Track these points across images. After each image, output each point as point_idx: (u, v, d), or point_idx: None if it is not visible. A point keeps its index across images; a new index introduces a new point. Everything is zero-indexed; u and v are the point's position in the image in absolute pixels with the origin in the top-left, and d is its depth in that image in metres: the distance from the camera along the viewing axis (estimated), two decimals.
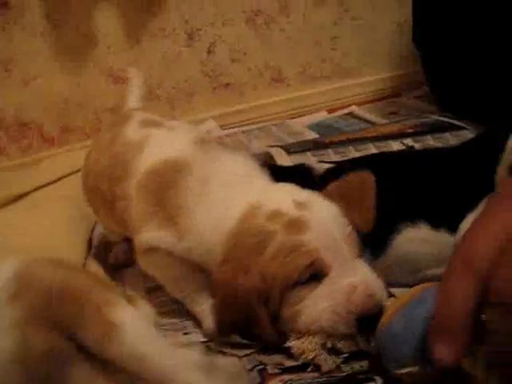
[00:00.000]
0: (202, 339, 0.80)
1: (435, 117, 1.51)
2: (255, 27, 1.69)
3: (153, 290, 0.92)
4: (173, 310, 0.87)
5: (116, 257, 1.05)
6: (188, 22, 1.64)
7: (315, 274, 0.69)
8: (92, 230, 1.19)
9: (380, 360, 0.64)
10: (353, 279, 0.69)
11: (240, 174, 0.80)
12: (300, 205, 0.72)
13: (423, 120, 1.50)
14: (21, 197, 1.32)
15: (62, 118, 1.64)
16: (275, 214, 0.71)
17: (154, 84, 1.66)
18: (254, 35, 1.70)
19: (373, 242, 0.85)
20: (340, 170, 0.95)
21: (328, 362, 0.69)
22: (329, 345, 0.69)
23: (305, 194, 0.75)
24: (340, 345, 0.69)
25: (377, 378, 0.68)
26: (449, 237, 0.81)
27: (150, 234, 0.78)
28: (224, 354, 0.75)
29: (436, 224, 0.83)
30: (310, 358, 0.69)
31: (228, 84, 1.72)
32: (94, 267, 1.00)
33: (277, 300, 0.70)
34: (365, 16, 1.75)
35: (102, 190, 0.89)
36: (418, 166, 0.91)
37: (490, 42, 1.26)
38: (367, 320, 0.67)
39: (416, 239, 0.83)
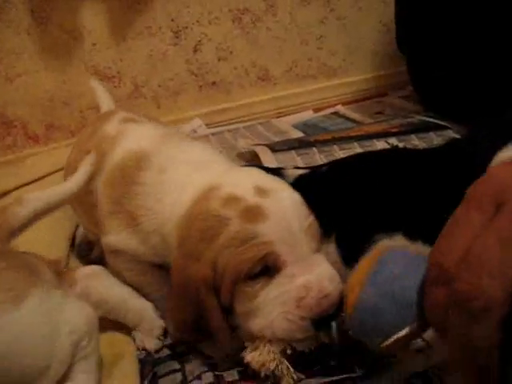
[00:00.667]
0: None
1: (420, 117, 1.52)
2: (242, 26, 1.69)
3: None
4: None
5: (97, 257, 1.05)
6: (174, 20, 1.63)
7: (268, 268, 0.65)
8: (75, 229, 1.19)
9: (355, 344, 0.63)
10: (307, 278, 0.65)
11: (198, 160, 0.77)
12: (260, 191, 0.68)
13: (408, 120, 1.51)
14: (5, 194, 1.32)
15: (47, 116, 1.63)
16: (232, 199, 0.67)
17: (139, 82, 1.65)
18: (241, 34, 1.69)
19: (347, 252, 0.85)
20: (313, 175, 0.94)
21: (289, 375, 0.66)
22: (288, 351, 0.67)
23: (269, 180, 0.71)
24: (300, 347, 0.67)
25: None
26: (425, 249, 0.81)
27: (114, 237, 0.78)
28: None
29: (412, 236, 0.80)
30: (272, 368, 0.66)
31: (214, 82, 1.72)
32: (76, 265, 1.00)
33: (227, 293, 0.66)
34: (350, 15, 1.76)
35: None
36: (396, 173, 0.89)
37: (473, 40, 1.27)
38: (324, 319, 0.65)
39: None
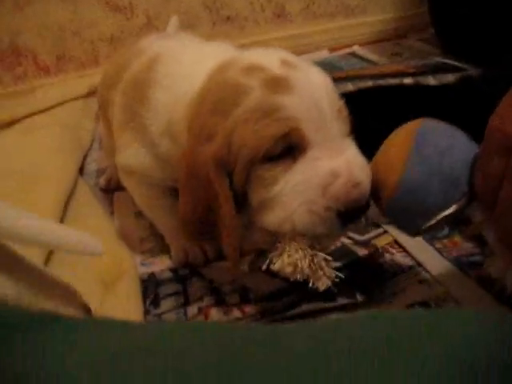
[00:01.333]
0: None
1: (438, 58, 1.47)
2: None
3: (141, 215, 0.92)
4: (160, 233, 0.87)
5: (107, 181, 1.04)
6: None
7: (291, 149, 0.56)
8: (84, 158, 1.18)
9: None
10: (336, 162, 0.55)
11: (209, 51, 0.68)
12: (288, 64, 0.58)
13: (426, 61, 1.46)
14: (15, 122, 1.31)
15: (58, 47, 1.60)
16: (255, 68, 0.57)
17: (152, 14, 1.61)
18: None
19: None
20: None
21: (329, 266, 0.58)
22: (317, 246, 0.58)
23: (296, 58, 0.61)
24: (326, 243, 0.59)
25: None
26: None
27: (125, 152, 0.75)
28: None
29: None
30: (306, 266, 0.56)
31: (229, 18, 1.67)
32: (85, 190, 0.99)
33: (242, 177, 0.57)
34: None
35: (102, 98, 0.87)
36: (408, 107, 0.85)
37: None
38: (352, 212, 0.55)
39: None
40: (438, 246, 0.77)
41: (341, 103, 0.59)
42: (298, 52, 1.69)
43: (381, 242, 0.79)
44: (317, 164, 0.55)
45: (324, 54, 1.69)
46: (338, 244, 0.79)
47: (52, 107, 1.39)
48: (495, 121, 0.46)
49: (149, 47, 0.79)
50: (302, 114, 0.55)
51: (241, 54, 0.62)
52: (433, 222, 0.50)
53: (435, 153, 0.50)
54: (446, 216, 0.50)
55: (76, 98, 1.45)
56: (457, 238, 0.78)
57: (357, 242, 0.79)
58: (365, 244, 0.79)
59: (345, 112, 0.59)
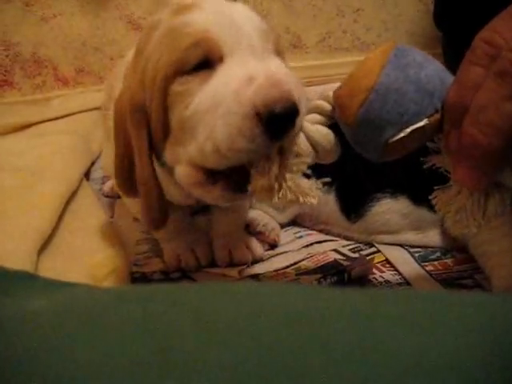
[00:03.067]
0: None
1: None
2: None
3: (138, 220, 0.93)
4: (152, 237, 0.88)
5: (110, 188, 1.06)
6: None
7: (207, 62, 0.52)
8: (92, 165, 1.21)
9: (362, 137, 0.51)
10: (253, 68, 0.50)
11: None
12: None
13: None
14: (29, 126, 1.34)
15: (78, 60, 1.65)
16: (176, 11, 0.56)
17: None
18: None
19: (351, 207, 0.84)
20: None
21: (312, 190, 0.53)
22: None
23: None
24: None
25: None
26: (430, 214, 0.80)
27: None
28: None
29: (417, 200, 0.81)
30: (282, 188, 0.50)
31: None
32: (88, 192, 1.01)
33: (159, 100, 0.53)
34: None
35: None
36: None
37: None
38: (275, 122, 0.47)
39: (395, 211, 0.82)
40: (429, 268, 0.78)
41: (267, 27, 0.57)
42: (312, 83, 1.73)
43: (373, 261, 0.80)
44: (232, 72, 0.51)
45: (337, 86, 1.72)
46: (330, 259, 0.80)
47: (66, 116, 1.43)
48: (485, 33, 0.46)
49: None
50: (213, 26, 0.52)
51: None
52: (402, 134, 0.48)
53: (413, 63, 0.50)
54: (415, 130, 0.48)
55: (90, 110, 1.49)
56: (448, 261, 0.78)
57: (348, 259, 0.80)
58: (356, 260, 0.79)
59: (272, 34, 0.57)
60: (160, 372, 0.22)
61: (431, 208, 0.78)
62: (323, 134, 0.53)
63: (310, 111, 0.54)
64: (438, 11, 1.53)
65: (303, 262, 0.80)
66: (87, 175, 1.16)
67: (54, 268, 0.76)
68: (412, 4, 1.76)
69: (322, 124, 0.53)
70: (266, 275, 0.78)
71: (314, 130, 0.52)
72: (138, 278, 0.78)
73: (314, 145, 0.53)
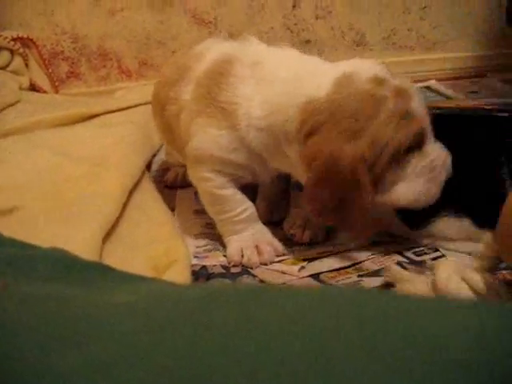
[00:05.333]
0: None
1: None
2: None
3: (200, 212, 0.93)
4: (216, 232, 0.88)
5: (172, 178, 1.07)
6: None
7: (417, 143, 0.72)
8: (153, 156, 1.22)
9: None
10: (438, 150, 0.74)
11: (294, 55, 0.81)
12: (392, 75, 0.74)
13: (505, 100, 1.43)
14: (92, 117, 1.37)
15: (142, 53, 1.68)
16: (379, 80, 0.71)
17: (234, 31, 1.66)
18: None
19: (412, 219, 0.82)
20: None
21: None
22: None
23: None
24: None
25: None
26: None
27: (200, 137, 0.78)
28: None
29: (480, 224, 0.78)
30: None
31: (309, 41, 1.70)
32: (150, 183, 1.02)
33: (383, 167, 0.70)
34: None
35: (160, 97, 0.92)
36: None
37: None
38: None
39: (456, 229, 0.80)
40: (498, 277, 0.75)
41: None
42: None
43: None
44: (430, 153, 0.73)
45: None
46: (393, 261, 0.78)
47: (128, 108, 1.45)
48: None
49: (207, 50, 0.87)
50: (423, 116, 0.72)
51: (347, 66, 0.75)
52: None
53: None
54: None
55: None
56: None
57: (411, 262, 0.78)
58: (419, 264, 0.77)
59: None
60: (261, 374, 0.21)
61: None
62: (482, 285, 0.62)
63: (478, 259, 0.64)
64: (511, 7, 1.47)
65: (366, 263, 0.78)
66: (148, 167, 1.17)
67: (116, 256, 0.77)
68: (483, 1, 1.70)
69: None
70: (327, 274, 0.76)
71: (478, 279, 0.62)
72: (198, 270, 0.78)
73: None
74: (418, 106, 0.72)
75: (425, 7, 1.70)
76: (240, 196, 0.82)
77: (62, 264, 0.37)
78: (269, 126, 0.75)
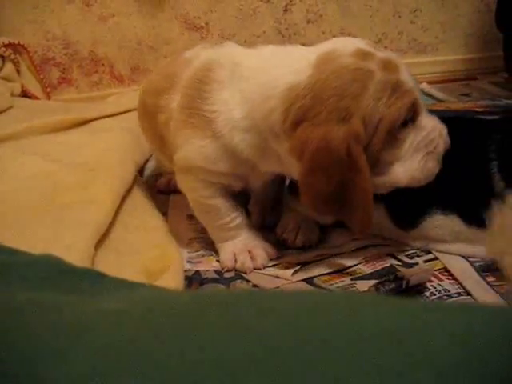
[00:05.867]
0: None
1: (509, 101, 1.45)
2: None
3: (194, 217, 0.93)
4: (209, 237, 0.88)
5: (165, 184, 1.07)
6: None
7: (411, 116, 0.68)
8: (145, 162, 1.22)
9: None
10: (433, 122, 0.71)
11: (271, 48, 0.76)
12: (374, 48, 0.70)
13: (496, 102, 1.45)
14: (85, 123, 1.37)
15: (134, 59, 1.68)
16: (363, 54, 0.67)
17: (226, 35, 1.66)
18: None
19: (402, 218, 0.82)
20: None
21: None
22: None
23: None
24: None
25: None
26: (481, 233, 0.77)
27: (186, 148, 0.77)
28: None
29: (467, 220, 0.78)
30: None
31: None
32: (142, 188, 1.02)
33: (380, 145, 0.66)
34: None
35: (148, 105, 0.90)
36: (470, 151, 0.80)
37: None
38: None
39: (446, 227, 0.79)
40: (490, 279, 0.75)
41: None
42: None
43: (432, 270, 0.77)
44: (425, 126, 0.70)
45: None
46: (386, 264, 0.78)
47: (120, 113, 1.44)
48: None
49: (197, 56, 0.84)
50: (413, 87, 0.68)
51: (333, 43, 0.71)
52: None
53: None
54: None
55: None
56: None
57: (404, 264, 0.78)
58: (411, 267, 0.77)
59: None
60: (249, 378, 0.21)
61: (481, 227, 0.76)
62: None
63: None
64: (500, 11, 1.48)
65: (359, 266, 0.78)
66: (141, 172, 1.17)
67: (108, 263, 0.76)
68: (472, 4, 1.71)
69: None
70: (320, 278, 0.76)
71: None
72: (191, 275, 0.78)
73: None
74: (407, 77, 0.68)
75: (415, 11, 1.71)
76: (229, 204, 0.81)
77: (53, 271, 0.37)
78: (252, 125, 0.72)
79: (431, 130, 0.70)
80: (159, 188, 1.09)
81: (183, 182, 0.83)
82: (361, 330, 0.25)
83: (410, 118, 0.68)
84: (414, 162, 0.69)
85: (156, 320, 0.26)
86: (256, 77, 0.72)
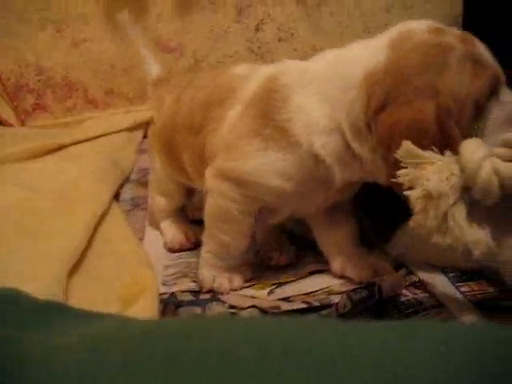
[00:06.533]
0: None
1: None
2: (305, 8, 1.68)
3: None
4: (185, 260, 0.88)
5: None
6: None
7: (495, 90, 0.65)
8: (121, 186, 1.22)
9: None
10: None
11: (333, 50, 0.74)
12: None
13: None
14: (60, 148, 1.37)
15: (108, 82, 1.68)
16: (439, 30, 0.65)
17: (199, 56, 1.68)
18: (304, 16, 1.69)
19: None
20: None
21: None
22: None
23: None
24: None
25: None
26: None
27: (250, 162, 0.72)
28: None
29: None
30: None
31: (273, 63, 1.72)
32: (118, 214, 1.02)
33: (467, 120, 0.62)
34: (417, 5, 1.72)
35: (191, 124, 0.86)
36: None
37: None
38: None
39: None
40: (464, 289, 0.76)
41: None
42: None
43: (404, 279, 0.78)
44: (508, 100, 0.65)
45: None
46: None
47: (97, 137, 1.45)
48: None
49: (253, 70, 0.83)
50: (494, 61, 0.65)
51: (404, 25, 0.69)
52: None
53: None
54: None
55: (120, 131, 1.51)
56: (484, 282, 0.76)
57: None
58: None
59: None
60: None
61: None
62: None
63: (501, 144, 0.58)
64: (466, 27, 1.51)
65: (335, 286, 0.79)
66: (117, 196, 1.16)
67: (83, 290, 0.76)
68: (439, 18, 1.73)
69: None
70: (296, 298, 0.76)
71: (501, 165, 0.57)
72: (167, 298, 0.78)
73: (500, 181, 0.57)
74: (486, 51, 0.65)
75: (385, 25, 1.73)
76: (250, 231, 0.79)
77: (13, 305, 0.36)
78: (334, 127, 0.68)
79: None
80: (174, 247, 0.97)
81: (217, 185, 0.77)
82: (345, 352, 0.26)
83: (492, 93, 0.64)
84: (497, 138, 0.63)
85: (101, 355, 0.27)
86: (330, 74, 0.70)
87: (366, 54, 0.67)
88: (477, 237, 0.57)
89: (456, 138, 0.60)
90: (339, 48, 0.74)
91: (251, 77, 0.81)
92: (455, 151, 0.60)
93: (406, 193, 0.59)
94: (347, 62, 0.69)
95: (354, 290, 0.72)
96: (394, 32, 0.68)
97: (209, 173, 0.78)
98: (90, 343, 0.29)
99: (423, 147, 0.60)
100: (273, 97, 0.73)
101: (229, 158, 0.75)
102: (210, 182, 0.78)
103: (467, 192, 0.58)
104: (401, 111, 0.62)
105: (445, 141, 0.60)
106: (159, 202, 1.01)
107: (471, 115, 0.62)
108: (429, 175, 0.58)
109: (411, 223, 0.60)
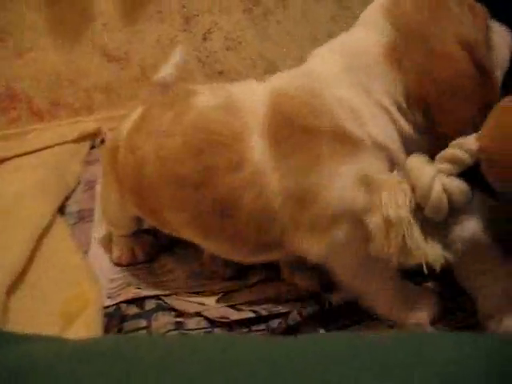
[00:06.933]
0: None
1: None
2: (252, 17, 1.69)
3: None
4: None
5: (129, 256, 0.94)
6: (185, 6, 1.64)
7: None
8: (67, 199, 1.19)
9: None
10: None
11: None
12: None
13: None
14: (4, 161, 1.33)
15: (53, 93, 1.64)
16: None
17: (146, 66, 1.66)
18: (251, 25, 1.70)
19: None
20: None
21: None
22: None
23: None
24: None
25: None
26: None
27: (335, 186, 0.63)
28: None
29: None
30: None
31: (221, 72, 1.72)
32: (62, 227, 1.00)
33: (485, 54, 0.64)
34: None
35: (182, 174, 0.70)
36: None
37: None
38: None
39: None
40: None
41: None
42: None
43: None
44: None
45: None
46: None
47: (42, 149, 1.42)
48: None
49: (236, 97, 0.72)
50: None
51: None
52: None
53: None
54: None
55: (66, 143, 1.48)
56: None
57: None
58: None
59: None
60: None
61: None
62: (460, 188, 0.56)
63: (445, 160, 0.57)
64: None
65: (283, 293, 0.79)
66: (62, 209, 1.14)
67: (25, 307, 0.74)
68: None
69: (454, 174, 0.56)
70: (244, 307, 0.76)
71: (448, 182, 0.56)
72: (112, 312, 0.76)
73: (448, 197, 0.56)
74: None
75: (331, 33, 1.76)
76: None
77: None
78: (378, 109, 0.64)
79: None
80: (121, 263, 0.91)
81: (326, 239, 0.66)
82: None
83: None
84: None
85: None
86: (347, 66, 0.66)
87: (369, 33, 0.66)
88: (435, 252, 0.57)
89: (490, 71, 0.63)
90: (338, 45, 0.72)
91: (241, 102, 0.70)
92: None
93: (367, 221, 0.58)
94: (358, 47, 0.67)
95: (303, 302, 0.73)
96: (379, 1, 0.68)
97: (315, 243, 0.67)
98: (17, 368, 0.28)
99: (468, 91, 0.61)
100: (313, 103, 0.65)
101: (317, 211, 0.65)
102: (314, 245, 0.67)
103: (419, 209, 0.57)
104: (435, 66, 0.62)
105: (483, 76, 0.62)
106: (109, 229, 0.96)
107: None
108: (385, 200, 0.57)
109: (372, 250, 0.58)
